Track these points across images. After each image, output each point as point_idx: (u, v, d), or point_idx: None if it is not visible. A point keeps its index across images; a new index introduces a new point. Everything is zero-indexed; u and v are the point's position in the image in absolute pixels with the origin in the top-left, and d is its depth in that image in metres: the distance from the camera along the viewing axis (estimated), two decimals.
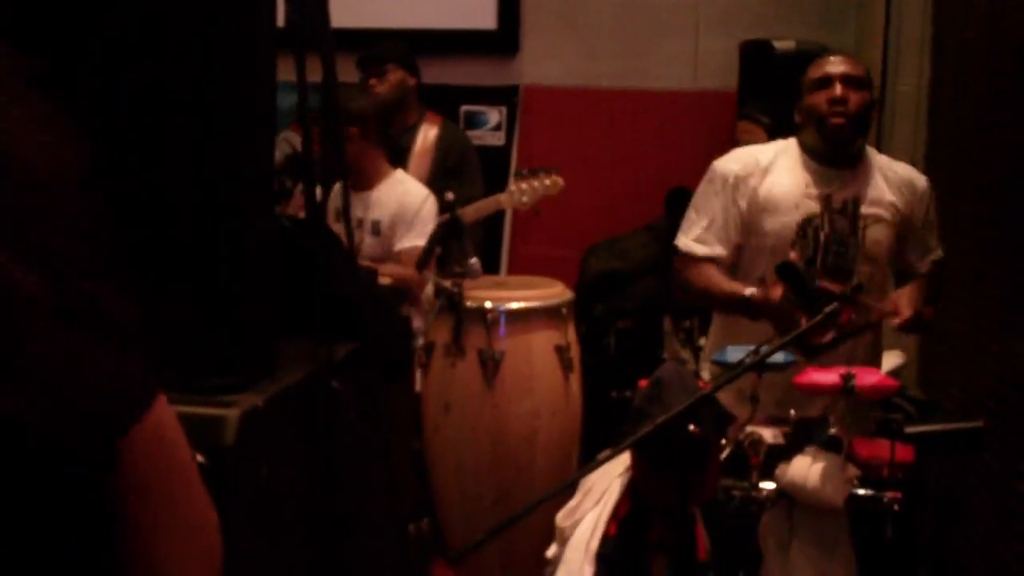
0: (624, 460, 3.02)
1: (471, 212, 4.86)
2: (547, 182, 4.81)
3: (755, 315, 3.44)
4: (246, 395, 2.05)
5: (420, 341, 4.37)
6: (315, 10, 2.16)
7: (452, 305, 4.09)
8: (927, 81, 5.04)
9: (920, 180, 3.73)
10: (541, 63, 6.59)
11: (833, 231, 3.55)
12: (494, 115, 6.64)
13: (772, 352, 2.76)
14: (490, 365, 4.14)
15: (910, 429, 2.92)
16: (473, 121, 6.62)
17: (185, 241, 2.04)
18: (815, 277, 3.32)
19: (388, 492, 2.77)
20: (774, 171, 3.63)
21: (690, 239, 3.69)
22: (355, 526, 2.46)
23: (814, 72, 3.63)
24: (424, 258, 4.19)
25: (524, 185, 4.82)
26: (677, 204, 3.91)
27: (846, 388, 2.85)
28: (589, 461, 3.28)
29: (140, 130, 1.97)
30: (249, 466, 2.02)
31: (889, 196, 3.62)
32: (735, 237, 3.65)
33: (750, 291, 3.45)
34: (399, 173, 4.87)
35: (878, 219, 3.60)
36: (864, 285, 3.12)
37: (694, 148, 6.11)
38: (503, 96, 6.63)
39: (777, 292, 3.31)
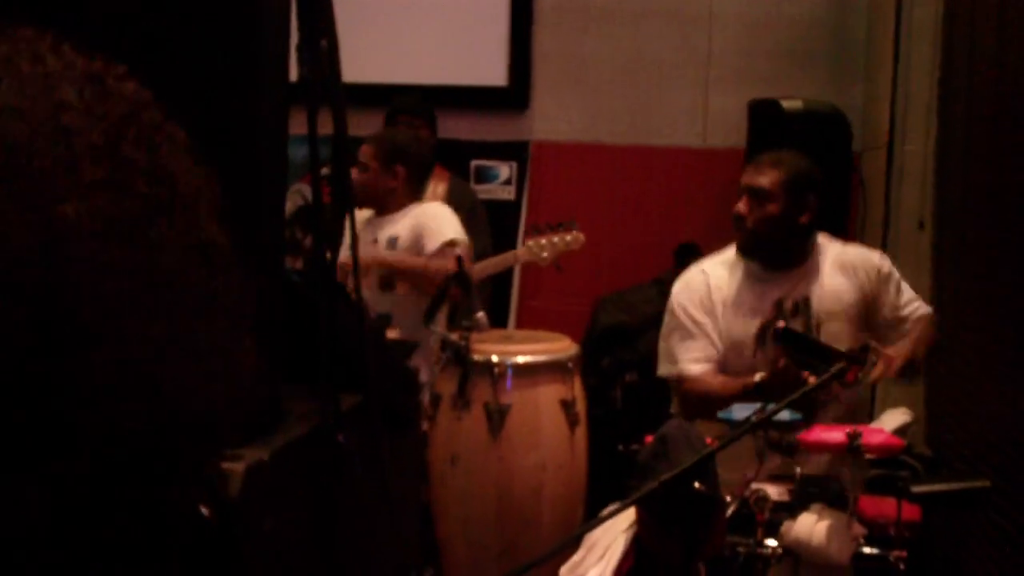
0: (629, 516, 2.99)
1: (487, 267, 4.87)
2: (568, 238, 4.85)
3: (767, 397, 3.44)
4: (251, 449, 2.01)
5: (427, 393, 4.35)
6: (327, 64, 2.16)
7: (459, 358, 4.09)
8: (934, 142, 5.03)
9: (879, 261, 3.76)
10: (551, 119, 6.60)
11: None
12: (504, 170, 6.64)
13: (779, 410, 2.73)
14: (496, 418, 4.13)
15: (917, 489, 2.89)
16: (484, 175, 6.62)
17: None
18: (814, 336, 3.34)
19: (393, 545, 2.74)
20: (723, 288, 3.67)
21: (687, 363, 3.74)
22: None
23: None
24: (431, 311, 4.18)
25: (544, 240, 4.85)
26: (686, 259, 3.92)
27: (852, 447, 2.82)
28: (594, 515, 3.26)
29: None
30: (254, 520, 1.99)
31: (842, 287, 3.63)
32: (714, 348, 3.70)
33: (759, 376, 3.45)
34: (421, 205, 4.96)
35: (831, 315, 3.60)
36: (869, 346, 3.10)
37: (703, 204, 6.13)
38: (513, 151, 6.63)
39: (781, 362, 3.31)
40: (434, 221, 4.76)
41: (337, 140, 2.24)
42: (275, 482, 2.06)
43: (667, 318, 3.82)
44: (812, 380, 3.05)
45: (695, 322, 3.70)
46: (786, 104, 5.48)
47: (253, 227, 2.12)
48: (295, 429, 2.21)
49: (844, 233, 4.94)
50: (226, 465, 1.95)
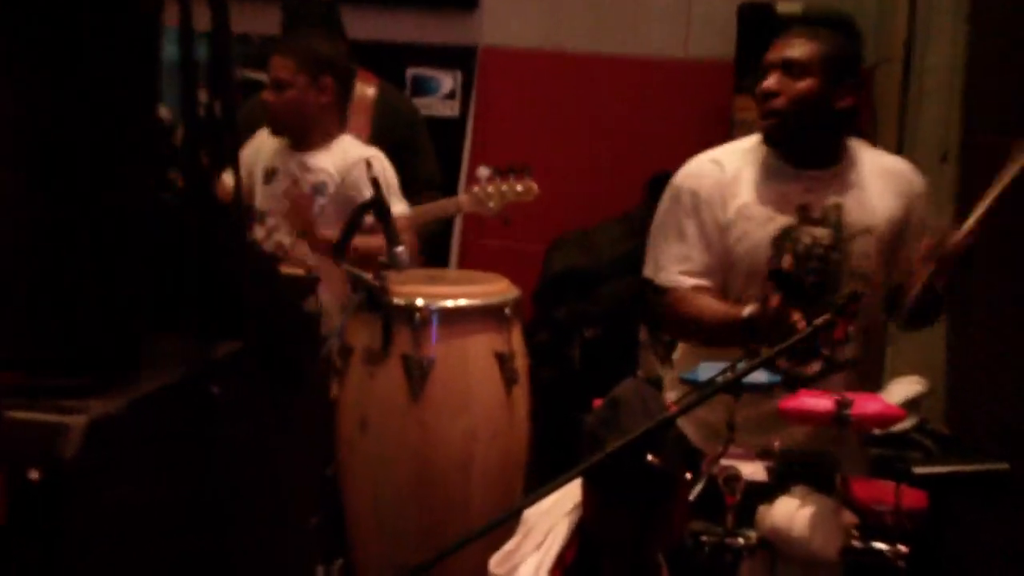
0: (574, 496, 2.96)
1: (423, 214, 4.83)
2: (519, 187, 4.86)
3: (757, 339, 3.39)
4: (99, 400, 2.02)
5: (335, 343, 4.31)
6: None
7: (373, 302, 4.02)
8: (963, 52, 4.99)
9: (917, 177, 3.73)
10: (503, 20, 6.60)
11: (811, 245, 3.54)
12: (447, 81, 6.64)
13: (752, 369, 2.70)
14: (417, 374, 4.13)
15: (920, 470, 2.87)
16: (422, 87, 6.60)
17: None
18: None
19: (285, 527, 2.70)
20: (742, 181, 3.60)
21: (674, 273, 3.67)
22: (238, 569, 2.38)
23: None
24: (341, 245, 4.12)
25: (491, 188, 4.86)
26: (659, 192, 3.87)
27: (840, 417, 2.79)
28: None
29: None
30: (96, 486, 1.98)
31: (880, 200, 3.60)
32: (715, 261, 3.62)
33: (749, 310, 3.39)
34: (344, 136, 4.87)
35: (867, 229, 3.56)
36: (861, 293, 3.06)
37: (682, 127, 6.11)
38: (458, 58, 6.63)
39: (774, 301, 3.26)
40: (364, 176, 4.52)
41: (217, 35, 2.20)
42: (128, 441, 2.03)
43: (662, 207, 3.74)
44: (801, 325, 3.02)
45: (696, 221, 3.63)
46: (782, 7, 5.51)
47: (106, 138, 2.07)
48: (160, 377, 2.18)
49: None
50: (63, 419, 1.92)
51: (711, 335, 3.68)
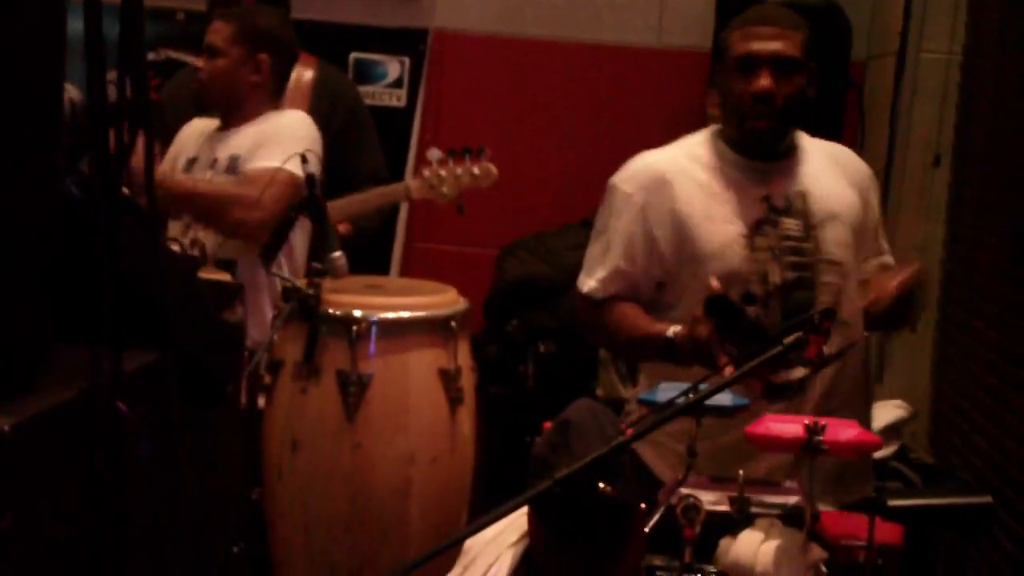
0: (520, 526, 2.98)
1: (368, 201, 4.82)
2: (475, 170, 4.85)
3: (676, 361, 3.44)
4: None
5: (262, 357, 4.29)
6: None
7: (306, 312, 4.03)
8: (960, 46, 5.04)
9: (863, 164, 3.84)
10: (459, 1, 6.57)
11: (784, 236, 3.60)
12: (394, 67, 6.61)
13: (716, 391, 2.72)
14: (353, 392, 4.09)
15: (895, 502, 2.89)
16: (366, 73, 6.58)
17: None
18: (756, 310, 3.34)
19: (203, 557, 2.71)
20: (693, 181, 3.64)
21: (596, 279, 3.74)
22: None
23: (737, 44, 3.63)
24: (270, 248, 4.13)
25: (444, 172, 4.83)
26: None
27: (811, 444, 2.82)
28: None
29: None
30: None
31: (837, 186, 3.69)
32: (643, 270, 3.67)
33: (673, 331, 3.44)
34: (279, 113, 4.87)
35: (832, 215, 3.62)
36: (835, 311, 3.09)
37: (653, 122, 6.11)
38: (406, 43, 6.61)
39: (703, 330, 3.30)
40: (277, 133, 4.61)
41: (127, 8, 2.21)
42: (20, 462, 2.02)
43: (600, 211, 3.79)
44: (729, 371, 3.04)
45: (625, 227, 3.68)
46: None
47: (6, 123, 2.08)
48: (57, 393, 2.18)
49: None
50: None
51: (630, 349, 3.76)
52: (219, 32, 4.71)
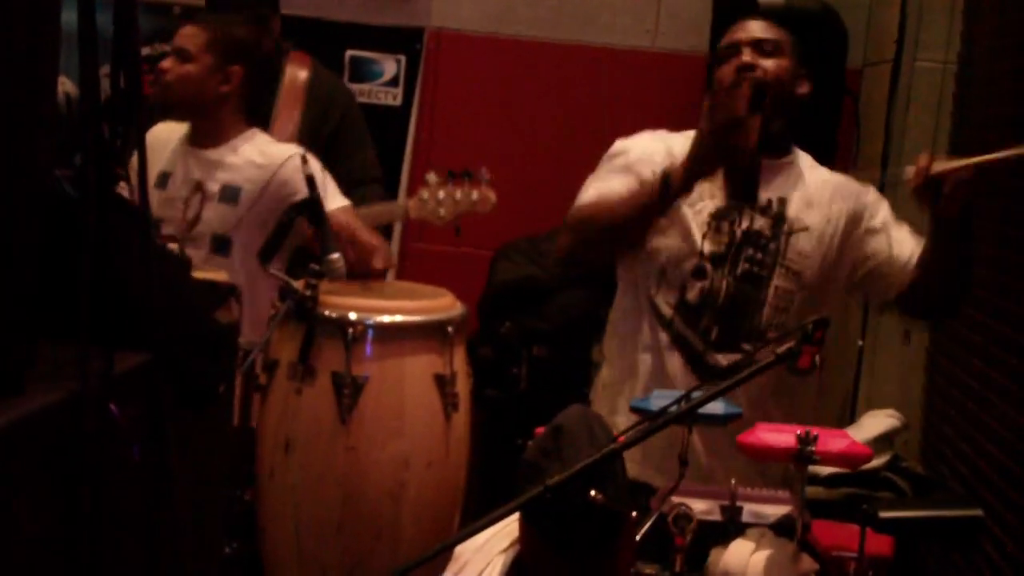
0: (511, 532, 2.97)
1: (362, 218, 4.82)
2: (474, 195, 4.84)
3: (686, 184, 3.50)
4: None
5: (258, 358, 4.28)
6: None
7: (302, 313, 4.03)
8: (955, 56, 5.03)
9: (863, 186, 3.84)
10: (454, 1, 6.56)
11: (749, 229, 3.67)
12: (390, 65, 6.61)
13: (708, 399, 2.71)
14: (347, 394, 4.08)
15: (886, 514, 2.88)
16: (361, 72, 6.58)
17: None
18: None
19: (193, 558, 2.69)
20: (684, 153, 3.66)
21: (588, 194, 3.79)
22: None
23: (722, 42, 3.77)
24: (268, 249, 4.12)
25: (442, 194, 4.83)
26: None
27: (802, 454, 2.81)
28: None
29: None
30: None
31: (823, 201, 3.72)
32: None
33: (665, 167, 3.53)
34: (255, 132, 4.84)
35: (805, 227, 3.67)
36: (829, 320, 3.08)
37: (647, 125, 6.03)
38: (402, 41, 6.61)
39: (739, 102, 3.40)
40: (298, 174, 4.40)
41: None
42: (6, 467, 2.00)
43: (603, 163, 3.88)
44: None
45: (623, 175, 3.70)
46: None
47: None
48: (46, 395, 2.16)
49: None
50: None
51: (615, 216, 3.69)
52: (192, 37, 4.69)
